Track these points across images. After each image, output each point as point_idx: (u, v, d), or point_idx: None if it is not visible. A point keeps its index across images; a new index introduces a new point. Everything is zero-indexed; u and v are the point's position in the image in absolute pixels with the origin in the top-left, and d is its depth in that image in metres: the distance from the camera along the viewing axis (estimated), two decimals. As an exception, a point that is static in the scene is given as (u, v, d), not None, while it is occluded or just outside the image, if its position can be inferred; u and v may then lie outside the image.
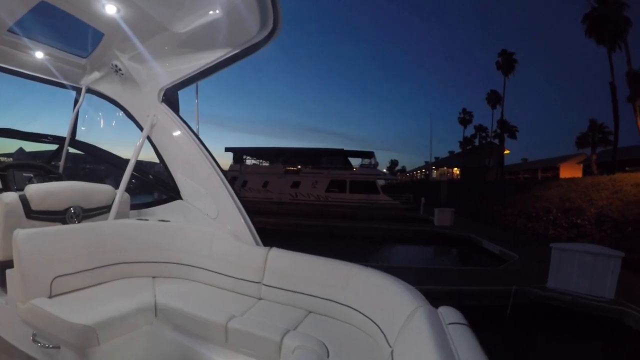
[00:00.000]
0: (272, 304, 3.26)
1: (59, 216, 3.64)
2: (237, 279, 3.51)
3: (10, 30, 4.17)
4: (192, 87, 4.89)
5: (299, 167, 33.56)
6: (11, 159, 7.49)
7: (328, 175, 31.43)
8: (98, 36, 4.19)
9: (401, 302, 2.50)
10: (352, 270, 3.12)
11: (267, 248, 3.56)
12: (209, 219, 4.04)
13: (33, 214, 3.45)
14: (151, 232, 3.90)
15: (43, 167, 5.22)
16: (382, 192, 30.32)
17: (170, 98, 4.37)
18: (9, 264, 3.12)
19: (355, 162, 35.01)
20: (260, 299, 3.38)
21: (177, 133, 4.26)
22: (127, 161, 4.53)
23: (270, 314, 3.06)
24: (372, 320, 2.76)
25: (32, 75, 5.12)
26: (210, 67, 3.89)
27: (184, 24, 3.51)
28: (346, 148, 35.10)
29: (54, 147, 5.85)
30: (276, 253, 3.47)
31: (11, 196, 3.36)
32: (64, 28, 4.48)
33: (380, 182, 31.28)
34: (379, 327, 2.64)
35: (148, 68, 4.29)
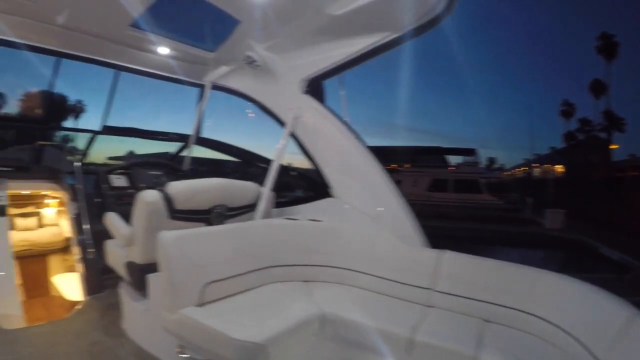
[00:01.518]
0: (445, 313, 2.97)
1: (203, 216, 3.35)
2: (403, 284, 3.21)
3: (133, 25, 4.02)
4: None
5: (394, 165, 32.76)
6: (121, 161, 7.66)
7: (429, 173, 30.43)
8: (231, 25, 3.94)
9: (605, 311, 2.31)
10: (538, 275, 2.85)
11: (439, 251, 3.24)
12: (367, 218, 3.69)
13: (176, 214, 3.16)
14: (303, 232, 3.60)
15: (169, 165, 5.17)
16: (485, 192, 28.81)
17: (315, 88, 4.01)
18: (150, 267, 2.96)
19: (452, 160, 33.49)
20: (431, 306, 3.06)
21: (325, 125, 3.93)
22: (256, 155, 4.53)
23: (447, 323, 2.80)
24: (566, 332, 2.49)
25: (154, 73, 5.00)
26: (361, 55, 3.52)
27: (342, 4, 3.11)
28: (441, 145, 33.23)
29: (165, 147, 5.88)
30: (451, 256, 3.16)
31: (154, 195, 3.06)
32: (192, 19, 4.33)
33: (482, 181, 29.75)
34: (579, 340, 2.36)
35: (289, 58, 3.98)
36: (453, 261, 3.12)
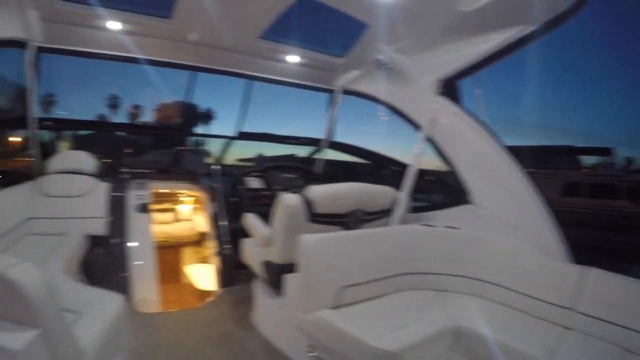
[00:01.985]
0: (586, 337, 2.68)
1: (340, 220, 3.36)
2: (542, 301, 2.94)
3: (262, 37, 4.19)
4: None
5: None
6: (250, 163, 8.09)
7: (561, 176, 27.40)
8: (359, 30, 3.95)
9: None
10: None
11: (584, 268, 2.91)
12: (508, 227, 3.47)
13: (315, 217, 3.19)
14: (440, 240, 3.44)
15: (302, 168, 5.26)
16: (624, 197, 25.11)
17: (450, 89, 3.83)
18: (287, 268, 3.04)
19: (585, 160, 30.10)
20: (570, 328, 2.78)
21: (463, 127, 3.73)
22: (388, 158, 4.46)
23: (587, 350, 2.53)
24: None
25: (285, 81, 5.14)
26: (497, 52, 3.30)
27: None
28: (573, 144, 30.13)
29: (291, 150, 6.01)
30: (598, 275, 2.82)
31: (294, 198, 3.13)
32: (319, 27, 4.39)
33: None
34: None
35: (420, 59, 3.85)
36: (599, 280, 2.80)
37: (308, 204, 3.12)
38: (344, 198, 3.33)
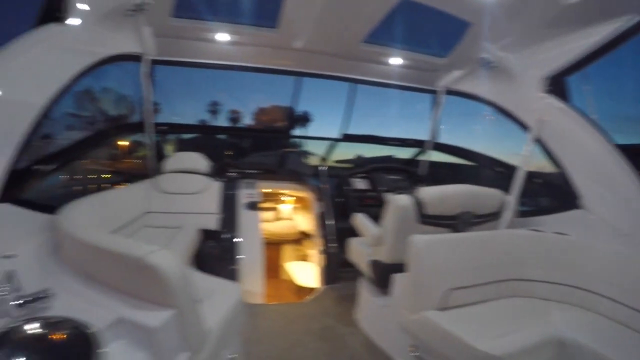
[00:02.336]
0: None
1: (449, 222, 3.35)
2: None
3: (365, 41, 4.25)
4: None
5: None
6: (349, 164, 8.21)
7: None
8: (461, 29, 3.90)
9: None
10: None
11: None
12: (619, 234, 3.22)
13: (425, 219, 3.21)
14: (548, 246, 3.26)
15: (408, 170, 5.29)
16: None
17: (557, 86, 3.62)
18: (394, 267, 3.07)
19: None
20: None
21: (573, 127, 3.52)
22: (494, 160, 4.41)
23: None
24: None
25: (387, 83, 5.15)
26: (606, 44, 3.07)
27: None
28: None
29: (390, 151, 5.99)
30: None
31: (405, 199, 3.17)
32: (421, 28, 4.34)
33: None
34: None
35: (525, 55, 3.70)
36: None
37: (418, 205, 3.13)
38: (454, 200, 3.30)
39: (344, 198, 4.86)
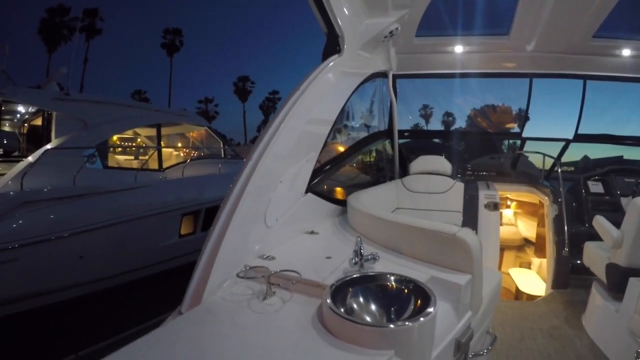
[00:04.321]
0: None
1: None
2: None
3: (595, 35, 4.26)
4: None
5: None
6: (572, 168, 7.60)
7: None
8: None
9: None
10: None
11: None
12: None
13: None
14: None
15: None
16: None
17: None
18: (632, 272, 3.00)
19: None
20: None
21: None
22: None
23: None
24: None
25: (620, 77, 4.99)
26: None
27: None
28: None
29: (618, 152, 5.72)
30: None
31: None
32: None
33: None
34: None
35: None
36: None
37: None
38: None
39: (578, 202, 4.82)
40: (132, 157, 9.16)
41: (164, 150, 8.78)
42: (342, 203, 3.47)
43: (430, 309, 1.50)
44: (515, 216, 6.35)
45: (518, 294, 4.81)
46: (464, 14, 4.51)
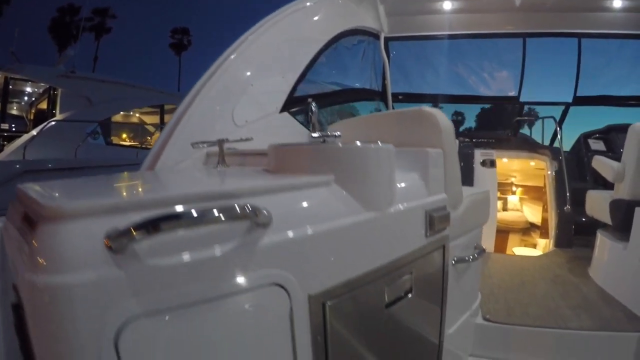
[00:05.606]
0: None
1: None
2: None
3: None
4: None
5: None
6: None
7: None
8: None
9: None
10: None
11: None
12: None
13: None
14: None
15: None
16: None
17: None
18: (637, 204, 2.81)
19: None
20: None
21: None
22: None
23: None
24: None
25: (617, 34, 4.89)
26: None
27: None
28: None
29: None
30: None
31: None
32: None
33: None
34: None
35: None
36: None
37: None
38: None
39: (580, 160, 4.78)
40: (134, 136, 9.38)
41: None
42: None
43: None
44: (521, 202, 6.34)
45: None
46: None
